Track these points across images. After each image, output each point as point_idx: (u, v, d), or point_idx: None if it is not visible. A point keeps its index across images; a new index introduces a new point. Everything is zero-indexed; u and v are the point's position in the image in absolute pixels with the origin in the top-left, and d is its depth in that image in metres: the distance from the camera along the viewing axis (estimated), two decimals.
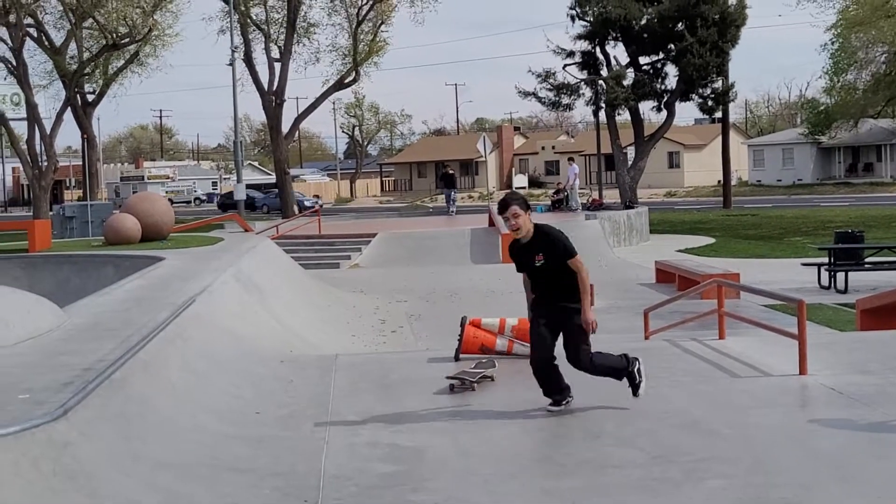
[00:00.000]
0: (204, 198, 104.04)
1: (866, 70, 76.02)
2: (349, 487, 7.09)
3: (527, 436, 8.37)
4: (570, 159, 47.07)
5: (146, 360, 8.88)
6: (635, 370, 9.19)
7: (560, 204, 43.43)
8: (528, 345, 11.33)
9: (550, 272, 8.83)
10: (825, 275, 24.14)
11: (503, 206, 8.89)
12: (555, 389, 9.08)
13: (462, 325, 11.81)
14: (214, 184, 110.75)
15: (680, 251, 34.56)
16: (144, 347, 9.10)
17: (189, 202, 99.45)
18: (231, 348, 11.37)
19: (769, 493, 6.61)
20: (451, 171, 49.06)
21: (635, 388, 9.15)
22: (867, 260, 24.88)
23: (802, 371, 10.11)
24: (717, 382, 10.17)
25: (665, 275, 25.74)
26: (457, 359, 11.62)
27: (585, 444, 8.06)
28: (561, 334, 9.00)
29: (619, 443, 8.01)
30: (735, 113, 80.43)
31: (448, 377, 10.21)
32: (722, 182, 64.48)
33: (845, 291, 22.93)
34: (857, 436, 8.00)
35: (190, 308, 11.54)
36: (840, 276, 23.72)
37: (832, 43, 69.99)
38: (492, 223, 34.28)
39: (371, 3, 54.43)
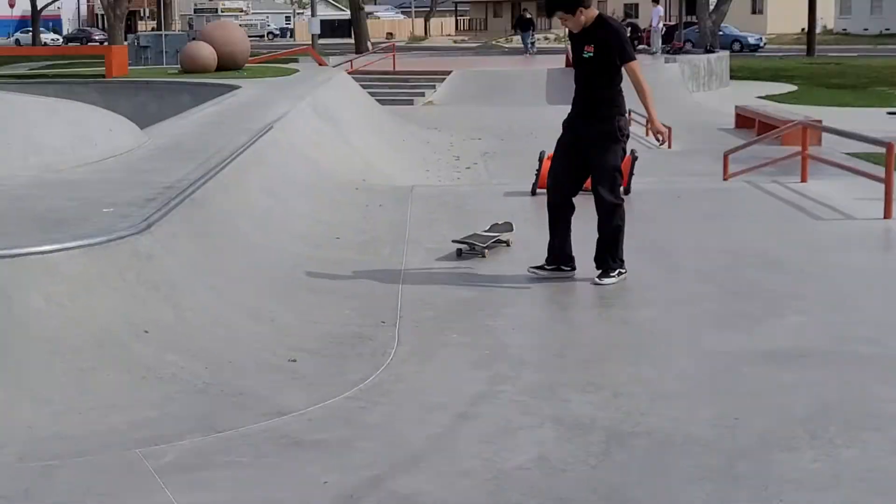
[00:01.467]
0: (277, 32, 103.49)
1: None
2: (426, 311, 7.13)
3: None
4: (655, 1, 45.87)
5: (226, 181, 8.92)
6: (620, 270, 7.79)
7: (635, 45, 42.46)
8: None
9: (595, 71, 7.69)
10: None
11: (549, 13, 8.00)
12: (559, 251, 7.95)
13: (540, 160, 11.70)
14: (288, 19, 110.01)
15: (760, 97, 33.88)
16: (224, 169, 9.13)
17: (262, 36, 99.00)
18: (309, 174, 11.40)
19: (851, 330, 6.54)
20: (527, 15, 47.98)
21: (607, 273, 7.72)
22: None
23: (888, 215, 9.92)
24: (798, 223, 10.03)
25: (745, 120, 25.28)
26: (533, 193, 11.55)
27: (664, 277, 8.01)
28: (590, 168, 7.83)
29: (699, 277, 7.95)
30: None
31: (455, 241, 8.77)
32: (806, 29, 62.80)
33: None
34: None
35: (268, 134, 11.54)
36: None
37: None
38: (569, 63, 33.76)
39: None
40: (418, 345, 6.40)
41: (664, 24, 42.46)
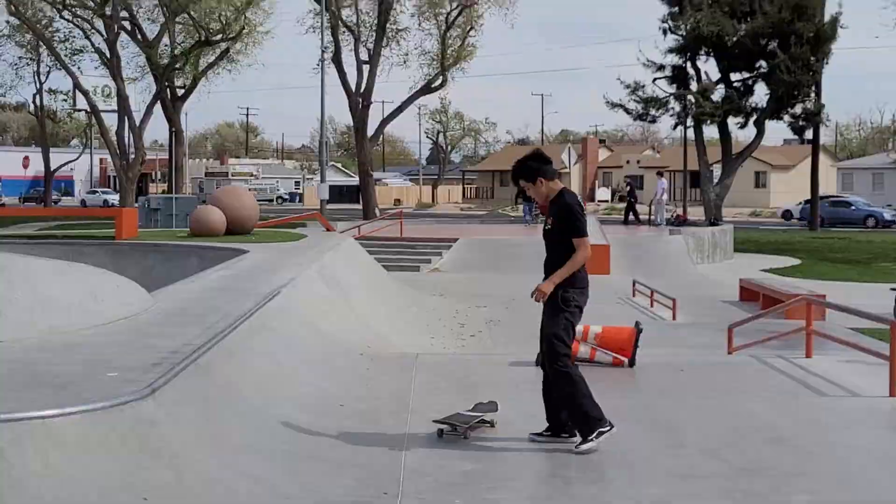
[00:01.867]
0: (286, 197, 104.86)
1: None
2: (428, 482, 7.06)
3: (609, 441, 8.24)
4: (659, 173, 46.44)
5: (231, 347, 8.94)
6: (604, 431, 7.84)
7: (630, 217, 42.80)
8: (611, 353, 11.28)
9: (555, 241, 8.13)
10: None
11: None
12: (550, 417, 7.98)
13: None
14: (297, 183, 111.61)
15: (764, 271, 34.08)
16: (230, 335, 9.15)
17: (271, 200, 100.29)
18: (313, 341, 11.41)
19: None
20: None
21: (584, 439, 7.78)
22: None
23: (893, 393, 9.89)
24: (803, 400, 9.98)
25: (749, 293, 25.38)
26: (538, 364, 11.51)
27: (669, 452, 7.94)
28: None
29: (704, 453, 7.88)
30: (825, 135, 79.22)
31: (436, 420, 8.40)
32: (809, 204, 63.53)
33: None
34: None
35: (275, 300, 11.60)
36: None
37: None
38: None
39: (460, 7, 54.46)
40: None
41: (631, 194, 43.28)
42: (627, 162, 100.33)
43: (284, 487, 6.70)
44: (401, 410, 9.22)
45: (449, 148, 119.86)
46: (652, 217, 42.62)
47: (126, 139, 56.03)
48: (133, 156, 54.97)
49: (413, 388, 10.22)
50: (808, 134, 55.13)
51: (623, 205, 42.81)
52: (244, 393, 8.34)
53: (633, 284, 26.16)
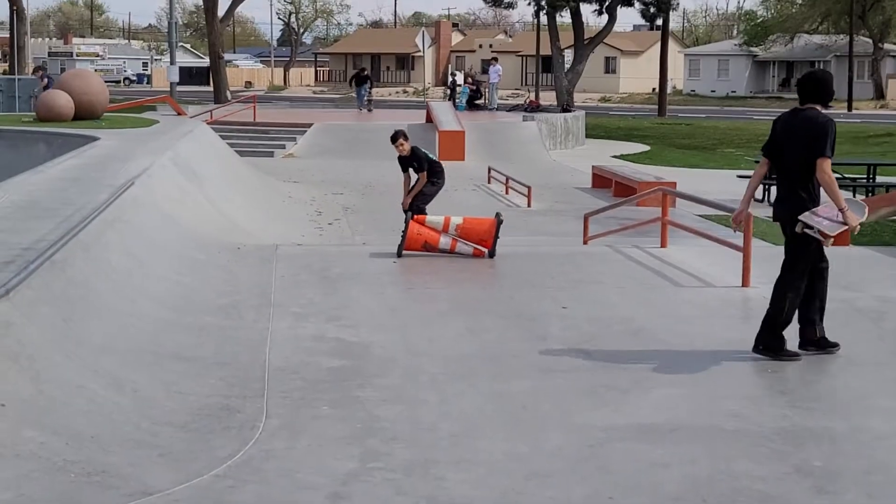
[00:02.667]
0: (134, 78, 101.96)
1: None
2: (295, 381, 7.01)
3: (473, 336, 8.32)
4: (494, 59, 47.42)
5: (87, 241, 8.66)
6: None
7: (477, 100, 43.47)
8: (472, 244, 11.31)
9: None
10: (760, 188, 24.30)
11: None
12: None
13: (406, 221, 11.68)
14: (145, 64, 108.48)
15: (615, 157, 34.57)
16: (85, 229, 8.86)
17: (118, 82, 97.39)
18: (170, 233, 11.16)
19: (716, 404, 6.64)
20: (364, 73, 47.21)
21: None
22: None
23: (745, 283, 10.15)
24: (661, 291, 10.19)
25: (602, 180, 25.74)
26: (399, 255, 11.50)
27: (531, 346, 8.02)
28: None
29: (566, 347, 7.99)
30: (673, 22, 79.97)
31: None
32: (658, 90, 64.45)
33: None
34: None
35: (129, 191, 11.27)
36: (774, 189, 23.89)
37: None
38: (429, 119, 34.00)
39: None
40: (287, 418, 6.28)
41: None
42: (480, 46, 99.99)
43: (148, 390, 6.57)
44: (263, 305, 9.11)
45: (301, 30, 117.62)
46: (487, 101, 43.35)
47: None
48: None
49: (274, 282, 10.11)
50: (659, 21, 55.69)
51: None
52: (101, 290, 8.12)
53: (489, 171, 26.27)
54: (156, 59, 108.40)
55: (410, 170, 13.65)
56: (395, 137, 13.70)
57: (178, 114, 29.57)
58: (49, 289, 7.21)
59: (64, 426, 5.71)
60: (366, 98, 43.05)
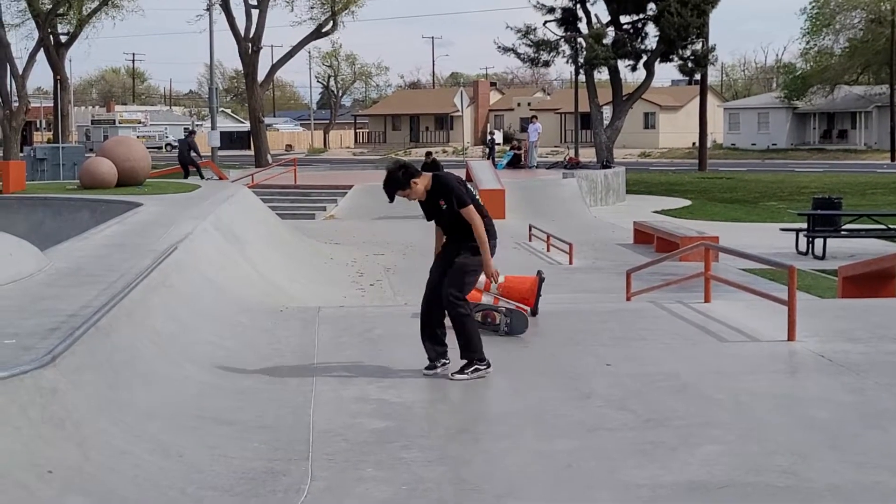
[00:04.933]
0: (175, 144, 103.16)
1: (843, 35, 76.28)
2: (339, 443, 6.99)
3: (517, 395, 8.28)
4: (534, 117, 47.90)
5: (131, 307, 8.73)
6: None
7: (519, 161, 43.85)
8: (514, 303, 11.29)
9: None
10: (803, 240, 24.19)
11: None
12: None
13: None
14: (186, 130, 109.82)
15: (656, 212, 34.55)
16: (129, 295, 8.93)
17: (160, 148, 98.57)
18: (213, 297, 11.23)
19: (765, 460, 6.55)
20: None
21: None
22: (844, 227, 24.95)
23: (791, 337, 10.06)
24: (705, 346, 10.10)
25: (643, 235, 25.72)
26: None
27: (576, 404, 7.97)
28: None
29: (610, 405, 7.92)
30: (711, 76, 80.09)
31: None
32: (697, 144, 64.44)
33: (823, 257, 23.00)
34: (848, 404, 7.96)
35: (172, 255, 11.37)
36: (818, 242, 23.77)
37: (811, 7, 70.10)
38: (469, 178, 34.12)
39: None
40: (332, 480, 6.25)
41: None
42: (518, 105, 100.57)
43: (193, 455, 6.57)
44: (305, 368, 9.11)
45: (340, 92, 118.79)
46: (526, 160, 43.75)
47: (9, 87, 54.42)
48: (17, 104, 53.42)
49: (316, 344, 10.12)
50: (697, 75, 55.80)
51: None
52: (146, 355, 8.16)
53: (530, 229, 26.32)
54: (197, 125, 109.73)
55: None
56: (396, 179, 8.80)
57: (220, 178, 29.87)
58: (94, 355, 7.26)
59: (110, 492, 5.71)
60: None
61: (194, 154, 32.28)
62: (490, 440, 7.09)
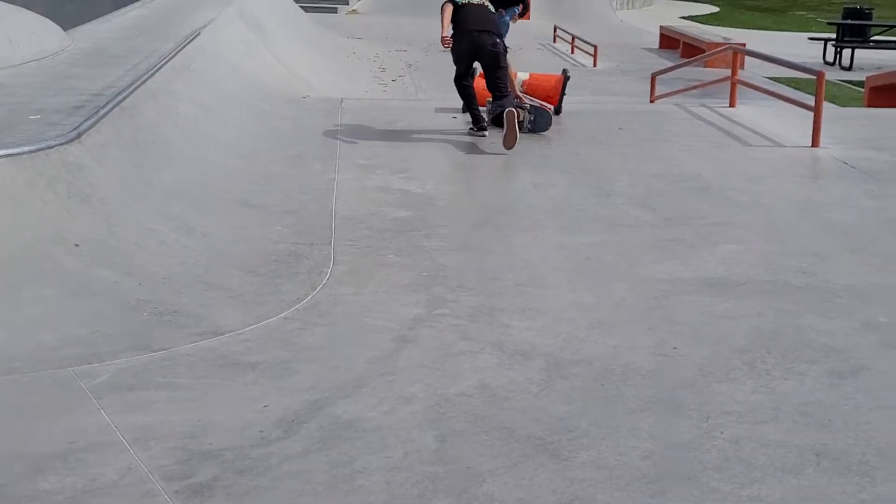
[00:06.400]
0: None
1: None
2: (362, 230, 7.05)
3: (539, 191, 8.29)
4: None
5: (155, 89, 8.68)
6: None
7: None
8: (538, 100, 11.21)
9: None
10: (831, 50, 23.83)
11: None
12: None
13: (472, 76, 11.54)
14: None
15: (683, 18, 33.98)
16: (153, 77, 8.88)
17: None
18: (236, 84, 11.16)
19: (784, 260, 6.60)
20: None
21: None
22: (873, 38, 24.53)
23: (815, 143, 10.00)
24: (729, 149, 10.05)
25: (669, 40, 25.35)
26: (464, 110, 11.41)
27: (598, 201, 7.99)
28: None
29: (632, 202, 7.95)
30: None
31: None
32: None
33: (850, 68, 22.69)
34: (869, 209, 7.96)
35: (195, 40, 11.25)
36: (846, 52, 23.42)
37: None
38: None
39: None
40: (354, 265, 6.33)
41: None
42: None
43: (217, 235, 6.64)
44: (328, 157, 9.12)
45: None
46: None
47: None
48: None
49: (340, 134, 10.11)
50: None
51: None
52: (170, 137, 8.16)
53: (555, 30, 25.94)
54: None
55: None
56: None
57: None
58: (119, 134, 7.26)
59: (136, 267, 5.80)
60: None
61: None
62: (512, 232, 7.14)
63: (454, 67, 10.23)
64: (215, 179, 7.81)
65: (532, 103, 10.92)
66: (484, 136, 10.15)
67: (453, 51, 10.16)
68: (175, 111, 8.77)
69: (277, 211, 7.37)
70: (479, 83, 11.25)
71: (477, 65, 10.27)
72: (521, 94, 11.46)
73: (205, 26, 12.26)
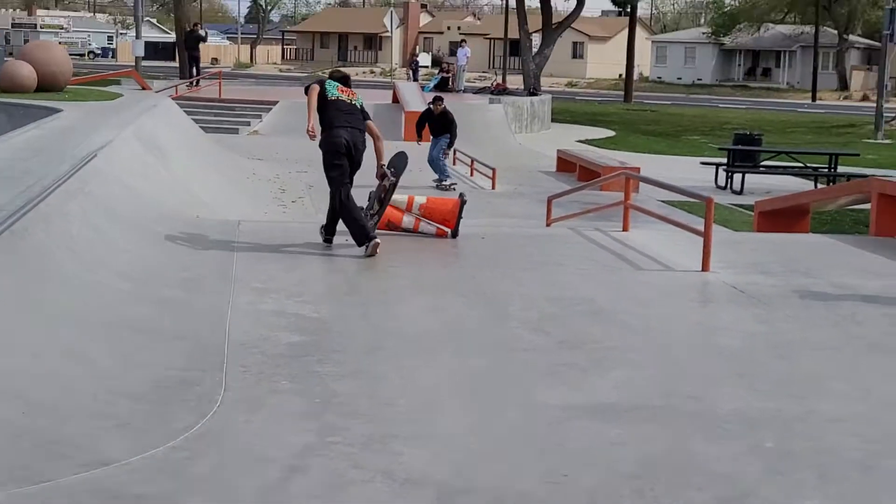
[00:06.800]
0: (99, 52, 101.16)
1: None
2: (255, 355, 7.00)
3: (433, 314, 8.33)
4: (463, 41, 47.96)
5: (47, 212, 8.60)
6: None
7: (447, 84, 43.78)
8: (435, 224, 11.33)
9: None
10: (722, 175, 24.48)
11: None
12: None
13: (351, 184, 11.61)
14: (110, 38, 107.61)
15: (580, 141, 34.69)
16: (46, 199, 8.80)
17: (83, 55, 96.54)
18: (132, 206, 11.10)
19: (674, 385, 6.69)
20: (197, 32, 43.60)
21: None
22: (763, 163, 25.28)
23: (706, 268, 10.22)
24: (622, 273, 10.23)
25: (566, 164, 25.85)
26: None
27: (492, 325, 8.06)
28: None
29: (526, 326, 8.02)
30: (641, 8, 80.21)
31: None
32: (624, 76, 64.63)
33: (741, 192, 23.30)
34: (757, 334, 8.12)
35: (91, 162, 11.19)
36: (737, 176, 24.08)
37: None
38: (395, 99, 33.93)
39: None
40: (246, 392, 6.27)
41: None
42: (448, 28, 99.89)
43: (106, 362, 6.54)
44: (224, 280, 9.08)
45: (269, 7, 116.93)
46: (454, 84, 43.65)
47: None
48: None
49: (236, 257, 10.08)
50: (628, 7, 55.84)
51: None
52: (62, 260, 8.06)
53: (454, 152, 26.27)
54: (121, 34, 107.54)
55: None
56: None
57: (143, 88, 29.40)
58: (8, 256, 7.16)
59: (20, 394, 5.68)
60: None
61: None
62: (406, 357, 7.15)
63: (354, 189, 10.39)
64: (106, 304, 7.72)
65: (429, 228, 11.04)
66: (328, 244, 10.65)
67: (325, 153, 10.47)
68: (68, 234, 8.68)
69: (169, 336, 7.30)
70: (391, 212, 11.37)
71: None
72: (419, 218, 11.56)
73: (101, 148, 12.22)
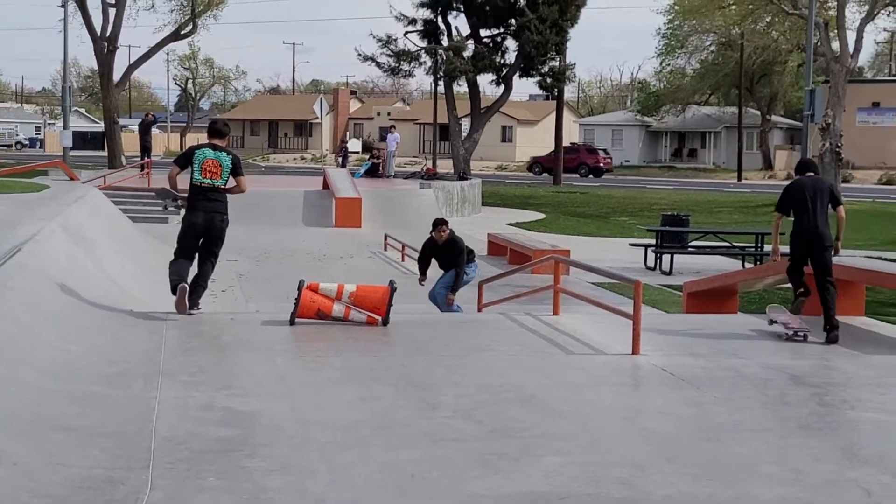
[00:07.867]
0: (26, 142, 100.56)
1: (695, 57, 78.49)
2: (182, 451, 6.89)
3: (364, 404, 8.27)
4: (392, 127, 48.50)
5: None
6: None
7: (378, 170, 44.12)
8: (365, 312, 11.30)
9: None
10: (651, 256, 24.73)
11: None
12: None
13: (299, 289, 11.60)
14: (38, 128, 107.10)
15: (511, 224, 34.92)
16: None
17: (10, 146, 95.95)
18: (57, 300, 10.95)
19: (605, 471, 6.68)
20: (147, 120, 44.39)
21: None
22: (691, 244, 25.59)
23: (635, 351, 10.27)
24: (552, 358, 10.25)
25: (497, 247, 25.97)
26: (292, 322, 11.43)
27: (423, 415, 8.01)
28: None
29: (457, 415, 7.98)
30: (568, 92, 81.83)
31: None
32: (553, 157, 65.32)
33: (670, 273, 23.54)
34: (687, 417, 8.16)
35: (15, 257, 11.06)
36: (665, 257, 24.34)
37: (666, 26, 71.94)
38: (326, 186, 34.00)
39: None
40: (172, 490, 6.15)
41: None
42: (378, 114, 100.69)
43: (27, 462, 6.40)
44: (151, 374, 8.96)
45: (198, 95, 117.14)
46: (384, 169, 44.06)
47: None
48: None
49: (163, 350, 9.96)
50: (555, 91, 56.59)
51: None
52: None
53: (385, 238, 26.33)
54: (49, 124, 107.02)
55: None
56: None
57: (71, 179, 29.21)
58: None
59: None
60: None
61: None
62: (336, 450, 7.07)
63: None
64: (28, 402, 7.57)
65: (359, 316, 11.01)
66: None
67: (183, 221, 11.90)
68: None
69: (94, 433, 7.17)
70: (321, 301, 11.33)
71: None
72: (349, 307, 11.53)
73: (26, 241, 12.09)
